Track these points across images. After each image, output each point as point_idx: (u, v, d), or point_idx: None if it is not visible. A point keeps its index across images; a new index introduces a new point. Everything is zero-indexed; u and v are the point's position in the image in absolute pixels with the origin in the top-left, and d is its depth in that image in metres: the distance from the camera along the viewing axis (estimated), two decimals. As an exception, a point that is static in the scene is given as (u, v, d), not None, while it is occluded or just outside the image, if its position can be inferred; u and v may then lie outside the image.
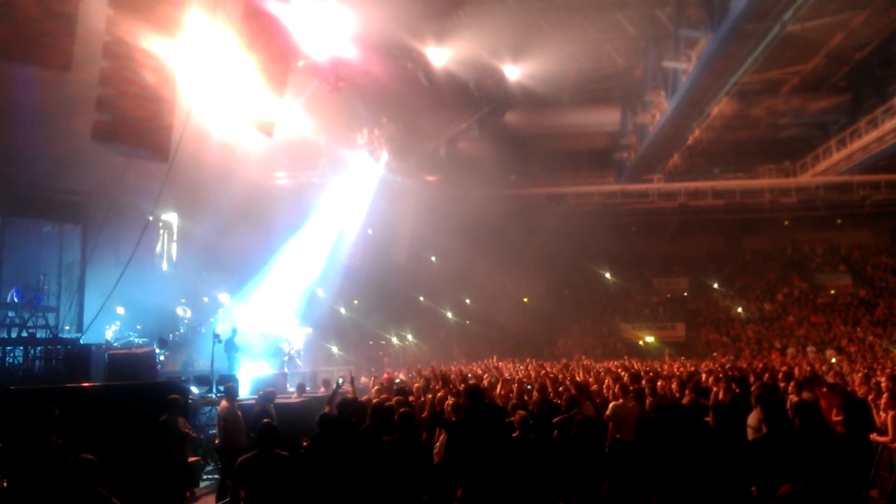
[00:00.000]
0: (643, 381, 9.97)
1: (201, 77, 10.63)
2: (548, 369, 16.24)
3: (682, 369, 16.81)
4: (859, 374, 13.60)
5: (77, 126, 10.87)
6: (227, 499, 6.68)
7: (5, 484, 7.24)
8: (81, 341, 13.79)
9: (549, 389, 9.94)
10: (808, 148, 33.90)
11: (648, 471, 6.89)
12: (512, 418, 7.26)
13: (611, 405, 8.65)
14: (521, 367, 17.55)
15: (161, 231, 21.48)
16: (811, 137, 34.58)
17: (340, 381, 10.80)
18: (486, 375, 13.69)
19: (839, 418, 8.64)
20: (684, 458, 5.40)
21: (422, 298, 35.19)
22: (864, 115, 29.02)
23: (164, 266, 21.49)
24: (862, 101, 30.63)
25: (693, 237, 38.25)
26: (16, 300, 15.43)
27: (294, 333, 22.16)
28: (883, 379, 11.08)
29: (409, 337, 34.18)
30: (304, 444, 7.36)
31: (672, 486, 5.45)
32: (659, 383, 10.76)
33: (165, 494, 7.87)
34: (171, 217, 21.98)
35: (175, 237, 22.39)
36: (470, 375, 13.40)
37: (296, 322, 23.37)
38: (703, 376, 12.76)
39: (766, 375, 12.01)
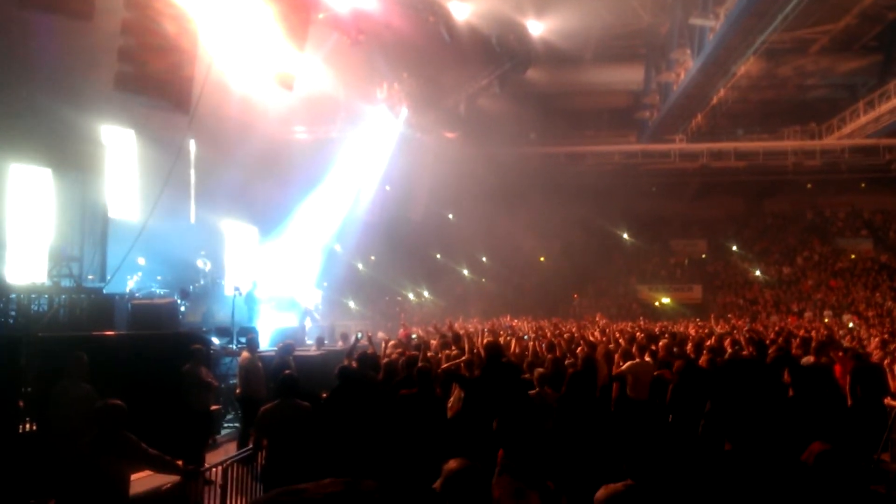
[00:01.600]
0: (661, 343, 9.99)
1: (222, 29, 10.57)
2: (562, 329, 16.35)
3: (699, 331, 16.85)
4: (876, 339, 13.56)
5: (100, 75, 10.89)
6: (249, 446, 6.86)
7: (35, 428, 7.50)
8: (104, 291, 13.97)
9: (565, 348, 10.02)
10: (835, 110, 33.12)
11: (667, 428, 7.00)
12: (528, 375, 7.35)
13: (627, 363, 8.71)
14: (534, 325, 17.62)
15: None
16: (839, 99, 33.78)
17: (360, 334, 10.92)
18: (501, 333, 13.79)
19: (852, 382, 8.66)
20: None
21: (439, 256, 35.31)
22: (894, 76, 28.25)
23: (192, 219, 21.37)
24: (893, 62, 29.79)
25: (714, 199, 37.89)
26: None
27: (309, 294, 22.39)
28: (900, 345, 11.05)
29: (426, 293, 34.40)
30: (324, 396, 7.51)
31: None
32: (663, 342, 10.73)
33: (188, 440, 8.09)
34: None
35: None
36: (487, 331, 13.50)
37: (312, 282, 23.55)
38: (714, 339, 12.74)
39: (781, 339, 11.99)
